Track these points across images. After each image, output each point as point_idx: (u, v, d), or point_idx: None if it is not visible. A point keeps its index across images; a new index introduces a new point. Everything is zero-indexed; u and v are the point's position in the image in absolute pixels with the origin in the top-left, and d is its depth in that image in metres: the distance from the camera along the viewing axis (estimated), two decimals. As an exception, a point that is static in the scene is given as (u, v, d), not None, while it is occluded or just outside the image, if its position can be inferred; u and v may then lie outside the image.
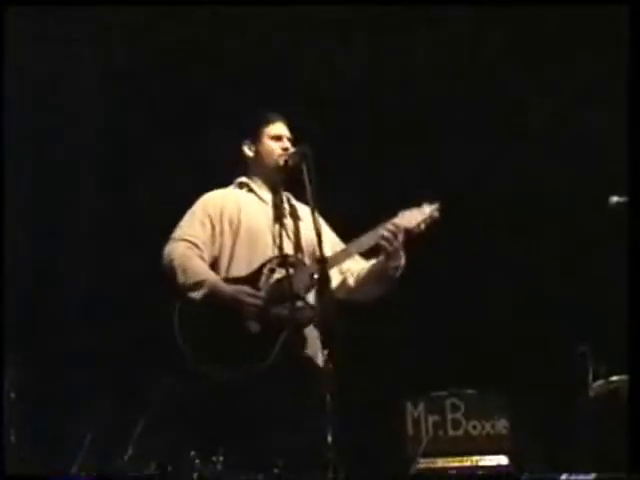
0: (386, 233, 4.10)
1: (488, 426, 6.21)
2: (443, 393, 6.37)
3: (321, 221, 4.34)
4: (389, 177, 6.53)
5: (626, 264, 4.33)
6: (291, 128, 4.40)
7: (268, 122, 4.38)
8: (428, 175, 6.31)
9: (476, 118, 6.50)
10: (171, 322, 4.04)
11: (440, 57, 6.49)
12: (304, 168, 3.98)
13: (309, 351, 4.15)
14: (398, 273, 4.18)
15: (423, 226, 4.13)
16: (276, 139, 4.36)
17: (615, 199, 4.68)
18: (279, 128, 4.39)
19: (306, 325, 4.12)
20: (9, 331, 5.56)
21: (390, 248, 4.10)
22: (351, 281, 4.28)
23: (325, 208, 4.10)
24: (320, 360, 4.05)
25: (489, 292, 6.63)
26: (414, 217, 4.13)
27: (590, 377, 5.41)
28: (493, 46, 6.45)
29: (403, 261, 4.16)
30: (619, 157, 5.08)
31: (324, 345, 3.79)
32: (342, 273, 4.28)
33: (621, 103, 4.99)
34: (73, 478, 5.43)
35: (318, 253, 3.91)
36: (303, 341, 4.12)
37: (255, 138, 4.39)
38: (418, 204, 4.17)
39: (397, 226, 4.11)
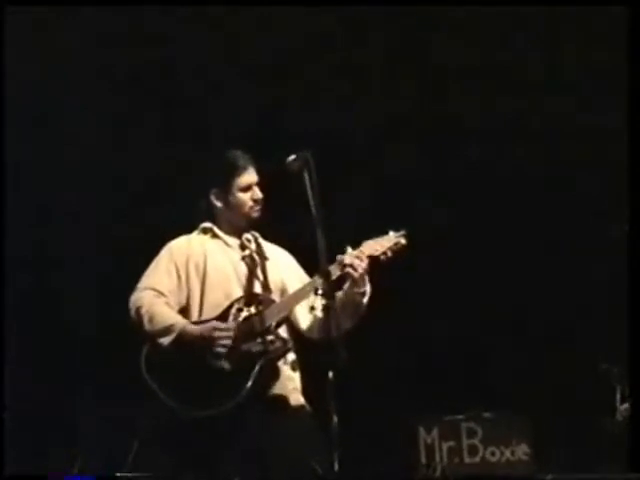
0: (348, 260, 4.07)
1: (507, 452, 5.94)
2: (459, 417, 6.10)
3: (290, 257, 4.38)
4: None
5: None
6: (258, 168, 4.24)
7: (237, 172, 4.24)
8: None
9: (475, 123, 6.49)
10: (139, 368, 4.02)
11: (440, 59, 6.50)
12: (306, 176, 3.87)
13: (281, 386, 4.13)
14: (365, 299, 4.16)
15: (390, 253, 4.12)
16: (246, 189, 4.24)
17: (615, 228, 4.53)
18: (249, 177, 4.25)
19: (279, 358, 4.12)
20: (9, 331, 5.57)
21: (355, 274, 4.07)
22: (320, 315, 4.02)
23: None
24: (292, 396, 4.10)
25: (509, 308, 6.50)
26: (379, 245, 4.13)
27: (617, 399, 5.10)
28: (490, 47, 6.44)
29: (369, 288, 4.15)
30: (620, 162, 5.08)
31: (327, 366, 3.73)
32: (312, 310, 4.20)
33: (622, 105, 5.00)
34: (73, 478, 5.43)
35: (322, 267, 3.87)
36: (276, 375, 4.11)
37: (224, 189, 4.25)
38: (384, 232, 4.18)
39: (361, 252, 4.10)
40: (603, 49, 6.17)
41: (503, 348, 6.50)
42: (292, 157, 3.97)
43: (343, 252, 4.12)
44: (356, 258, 4.08)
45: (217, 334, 4.03)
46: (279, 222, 4.49)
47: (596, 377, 5.27)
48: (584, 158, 6.42)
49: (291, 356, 4.21)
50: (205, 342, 4.02)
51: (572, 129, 6.48)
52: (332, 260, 4.02)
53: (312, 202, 3.83)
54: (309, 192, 3.85)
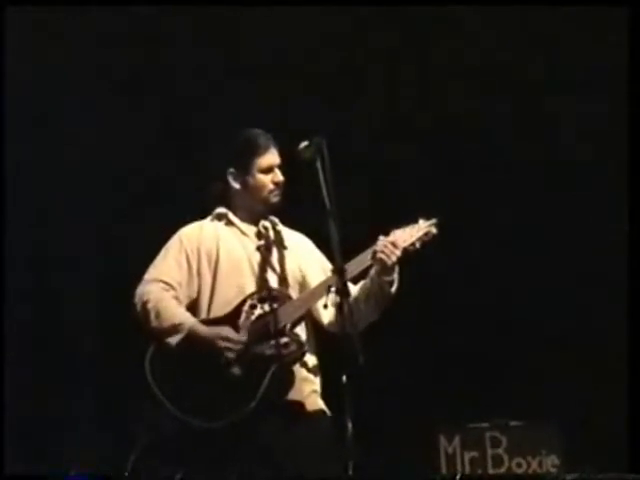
0: (379, 248, 3.78)
1: (535, 463, 5.48)
2: (482, 425, 5.68)
3: (313, 246, 4.10)
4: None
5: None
6: (281, 151, 4.02)
7: (258, 151, 3.97)
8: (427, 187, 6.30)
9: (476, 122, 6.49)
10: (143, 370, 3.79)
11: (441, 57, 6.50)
12: (318, 165, 3.56)
13: (297, 390, 3.84)
14: (393, 289, 3.86)
15: (419, 244, 3.83)
16: (267, 171, 3.96)
17: None
18: (271, 158, 3.98)
19: (294, 363, 3.81)
20: (9, 331, 5.57)
21: (388, 261, 3.77)
22: (335, 313, 3.70)
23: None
24: (308, 400, 3.84)
25: (509, 309, 6.39)
26: (408, 235, 3.84)
27: None
28: (489, 47, 6.44)
29: (397, 276, 3.85)
30: (620, 162, 5.09)
31: (342, 370, 3.39)
32: (325, 308, 3.86)
33: (622, 105, 4.99)
34: (73, 478, 5.43)
35: (337, 263, 3.54)
36: (291, 380, 3.80)
37: (243, 169, 3.97)
38: (414, 220, 3.90)
39: (394, 241, 3.81)
40: (603, 49, 6.16)
41: (503, 348, 6.46)
42: (304, 143, 3.69)
43: (354, 249, 3.83)
44: (390, 244, 3.77)
45: (224, 344, 3.76)
46: (289, 215, 4.22)
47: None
48: (584, 158, 6.42)
49: (308, 357, 3.91)
50: (212, 349, 3.76)
51: (572, 129, 6.47)
52: (346, 254, 3.69)
53: (325, 192, 3.53)
54: (322, 182, 3.55)
